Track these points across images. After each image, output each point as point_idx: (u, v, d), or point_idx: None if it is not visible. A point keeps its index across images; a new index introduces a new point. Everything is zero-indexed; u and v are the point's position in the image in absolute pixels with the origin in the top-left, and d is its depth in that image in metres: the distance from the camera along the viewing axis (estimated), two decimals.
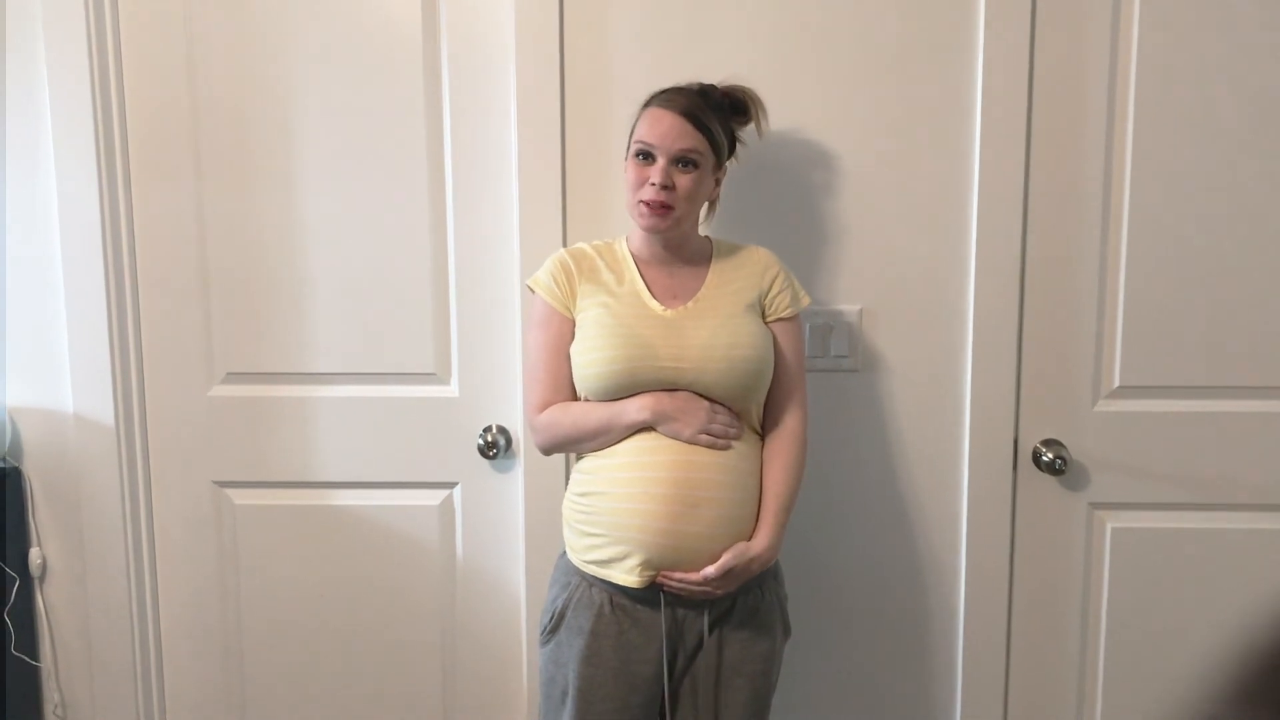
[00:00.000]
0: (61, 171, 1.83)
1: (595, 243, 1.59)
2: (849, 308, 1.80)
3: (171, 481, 1.95)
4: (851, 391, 1.82)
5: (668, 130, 1.46)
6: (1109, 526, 1.83)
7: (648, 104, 1.52)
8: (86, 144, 1.82)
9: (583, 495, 1.49)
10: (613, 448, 1.47)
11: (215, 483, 1.94)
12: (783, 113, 1.76)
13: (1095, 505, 1.83)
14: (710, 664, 1.49)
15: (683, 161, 1.47)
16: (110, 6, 1.83)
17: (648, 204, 1.47)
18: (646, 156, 1.48)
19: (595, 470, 1.49)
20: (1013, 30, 1.71)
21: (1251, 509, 1.81)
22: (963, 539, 1.83)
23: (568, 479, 1.81)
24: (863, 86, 1.75)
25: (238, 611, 1.97)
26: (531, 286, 1.56)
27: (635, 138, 1.51)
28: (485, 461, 1.88)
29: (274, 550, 1.95)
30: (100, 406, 1.88)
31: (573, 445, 1.53)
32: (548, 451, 1.56)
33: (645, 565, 1.43)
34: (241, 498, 1.95)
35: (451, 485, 1.91)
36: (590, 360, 1.47)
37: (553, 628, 1.52)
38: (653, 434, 1.45)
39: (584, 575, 1.50)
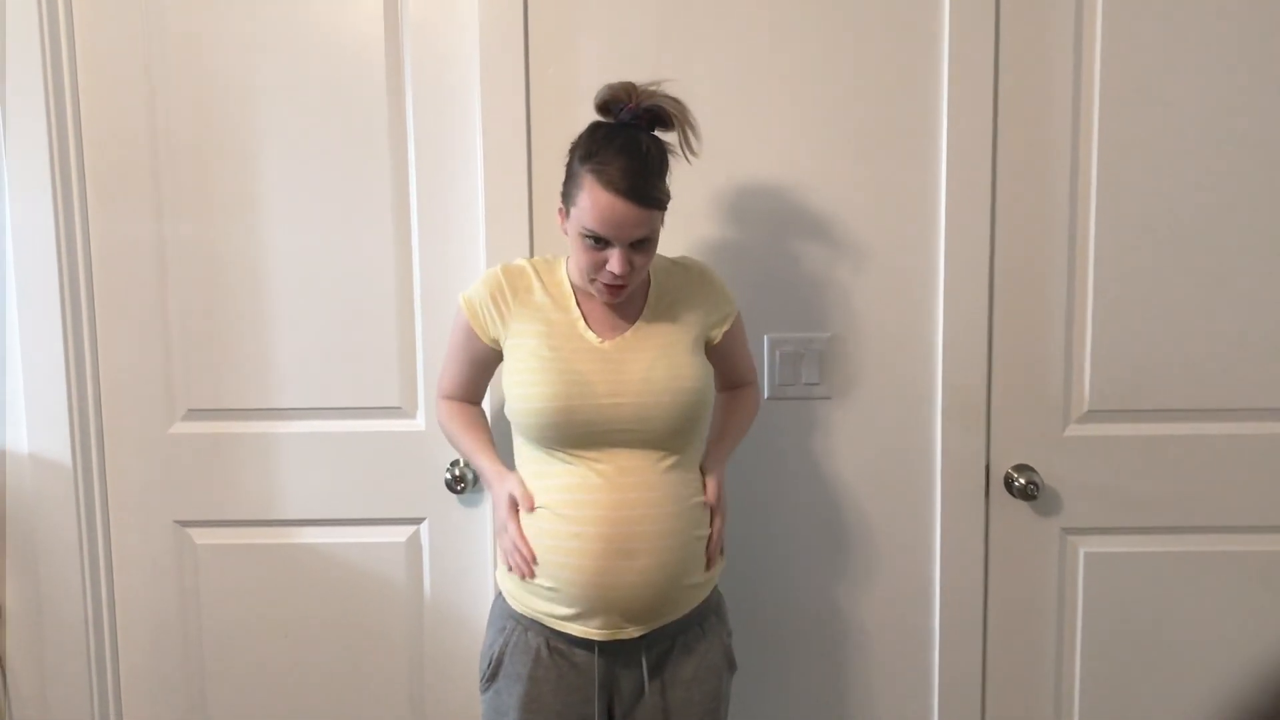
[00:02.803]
0: (15, 203, 1.79)
1: (535, 259, 1.53)
2: (819, 335, 1.79)
3: (131, 522, 1.90)
4: (822, 419, 1.81)
5: (621, 222, 1.34)
6: (1082, 551, 1.82)
7: (591, 163, 1.36)
8: (41, 175, 1.78)
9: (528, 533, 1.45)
10: (547, 490, 1.43)
11: (176, 522, 1.90)
12: (750, 141, 1.75)
13: (1068, 530, 1.82)
14: (655, 708, 1.46)
15: (639, 242, 1.38)
16: (66, 34, 1.79)
17: (606, 287, 1.41)
18: (598, 241, 1.37)
19: (531, 514, 1.44)
20: (977, 55, 1.72)
21: (1224, 531, 1.81)
22: (936, 566, 1.82)
23: None
24: (829, 113, 1.75)
25: (200, 654, 1.92)
26: (462, 306, 1.52)
27: (586, 223, 1.36)
28: (453, 496, 1.85)
29: (237, 591, 1.90)
30: (57, 446, 1.83)
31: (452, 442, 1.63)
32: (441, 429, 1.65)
33: (581, 615, 1.41)
34: (203, 537, 1.90)
35: (418, 521, 1.88)
36: (526, 395, 1.41)
37: (491, 674, 1.48)
38: (585, 473, 1.40)
39: (519, 619, 1.47)
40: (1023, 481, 1.77)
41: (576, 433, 1.40)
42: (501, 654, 1.47)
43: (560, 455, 1.42)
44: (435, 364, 1.83)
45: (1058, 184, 1.76)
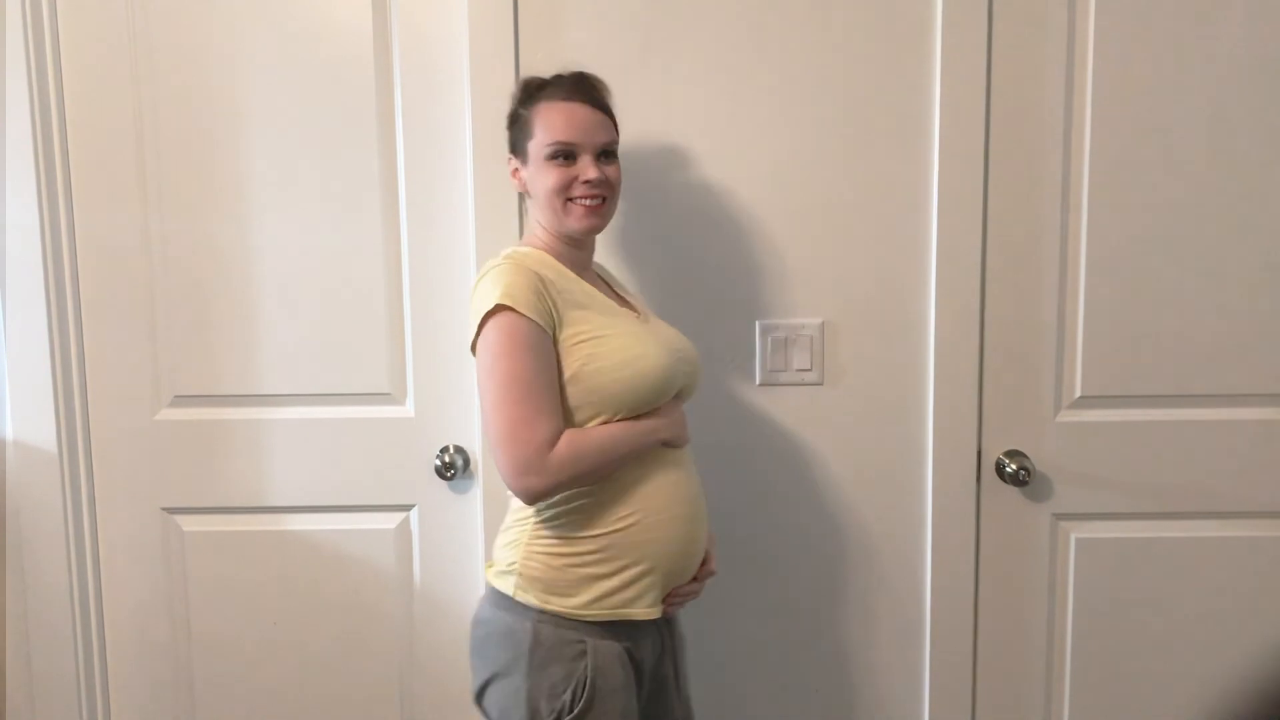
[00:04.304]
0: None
1: (514, 254, 1.38)
2: (810, 321, 1.78)
3: (117, 509, 1.89)
4: (814, 405, 1.80)
5: (586, 124, 1.39)
6: (1073, 537, 1.82)
7: (538, 97, 1.42)
8: (25, 161, 1.76)
9: (602, 533, 1.33)
10: (635, 473, 1.35)
11: (163, 509, 1.88)
12: (741, 127, 1.74)
13: (1059, 516, 1.82)
14: (669, 671, 1.48)
15: (604, 153, 1.41)
16: (50, 24, 1.77)
17: (585, 203, 1.38)
18: (567, 156, 1.38)
19: (620, 499, 1.34)
20: (970, 42, 1.71)
21: (1215, 517, 1.81)
22: (927, 551, 1.82)
23: None
24: (820, 98, 1.74)
25: (188, 643, 1.91)
26: (511, 305, 1.29)
27: (549, 138, 1.38)
28: (442, 483, 1.84)
29: (225, 578, 1.89)
30: (41, 432, 1.82)
31: (589, 478, 1.32)
32: (551, 493, 1.31)
33: (661, 592, 1.38)
34: (190, 524, 1.89)
35: (408, 508, 1.87)
36: (640, 371, 1.33)
37: (585, 706, 1.29)
38: (653, 450, 1.38)
39: (594, 628, 1.33)
40: (1014, 467, 1.77)
41: (664, 399, 1.40)
42: (592, 676, 1.30)
43: None
44: (425, 350, 1.82)
45: (1050, 170, 1.75)
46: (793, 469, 1.81)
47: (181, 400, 1.86)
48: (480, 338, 1.32)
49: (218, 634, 1.91)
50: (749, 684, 1.86)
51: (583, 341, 1.33)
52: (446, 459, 1.81)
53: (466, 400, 1.82)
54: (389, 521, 1.87)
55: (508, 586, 1.36)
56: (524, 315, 1.29)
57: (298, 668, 1.91)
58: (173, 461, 1.87)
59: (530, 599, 1.34)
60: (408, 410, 1.84)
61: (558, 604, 1.33)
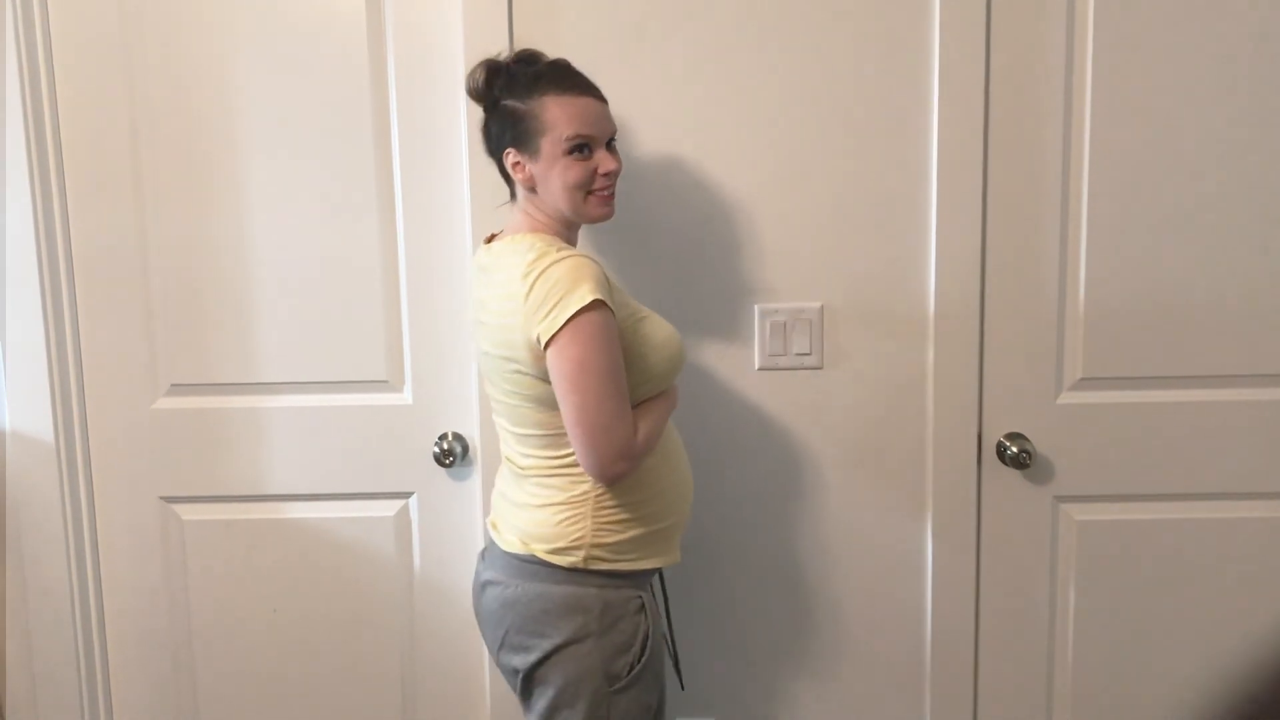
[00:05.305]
0: None
1: (554, 241, 1.40)
2: (810, 304, 1.77)
3: (116, 499, 1.88)
4: (814, 389, 1.79)
5: (600, 117, 1.42)
6: (1075, 519, 1.82)
7: (540, 91, 1.39)
8: (18, 152, 1.75)
9: (655, 492, 1.43)
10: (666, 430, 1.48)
11: (162, 498, 1.88)
12: (739, 111, 1.73)
13: (1060, 498, 1.81)
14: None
15: (609, 143, 1.44)
16: (41, 18, 1.76)
17: (604, 193, 1.43)
18: (582, 149, 1.40)
19: (658, 458, 1.44)
20: (969, 23, 1.69)
21: (1217, 498, 1.80)
22: (928, 535, 1.81)
23: None
24: (819, 82, 1.72)
25: (188, 632, 1.91)
26: (605, 300, 1.31)
27: (570, 132, 1.38)
28: (441, 470, 1.84)
29: (224, 567, 1.89)
30: (38, 423, 1.81)
31: (648, 456, 1.42)
32: (629, 476, 1.38)
33: (679, 535, 1.51)
34: (189, 513, 1.88)
35: (407, 495, 1.86)
36: (677, 348, 1.45)
37: (650, 655, 1.41)
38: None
39: (641, 580, 1.45)
40: (1015, 450, 1.76)
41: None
42: (651, 627, 1.42)
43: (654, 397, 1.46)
44: (422, 337, 1.81)
45: (1051, 151, 1.74)
46: (793, 453, 1.80)
47: (179, 389, 1.85)
48: (571, 332, 1.29)
49: (218, 623, 1.90)
50: (748, 667, 1.86)
51: (632, 326, 1.40)
52: (445, 446, 1.81)
53: (464, 387, 1.82)
54: (388, 509, 1.87)
55: (575, 560, 1.39)
56: (610, 309, 1.32)
57: (298, 655, 1.91)
58: (171, 451, 1.86)
59: (601, 566, 1.40)
60: (405, 398, 1.84)
61: (626, 563, 1.41)
